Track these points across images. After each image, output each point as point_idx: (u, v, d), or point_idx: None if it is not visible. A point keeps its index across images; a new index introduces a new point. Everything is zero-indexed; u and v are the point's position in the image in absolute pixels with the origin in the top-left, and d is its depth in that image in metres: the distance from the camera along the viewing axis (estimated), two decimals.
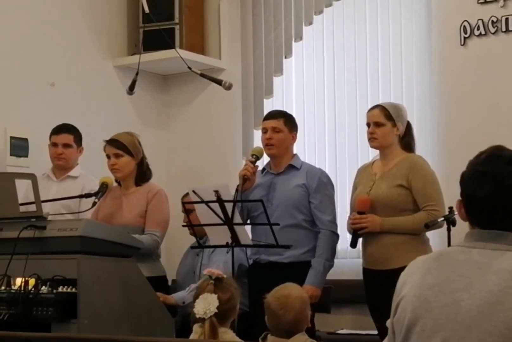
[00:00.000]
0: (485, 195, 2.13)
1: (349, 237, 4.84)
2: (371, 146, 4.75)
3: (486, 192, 2.12)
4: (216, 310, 3.33)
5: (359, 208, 4.57)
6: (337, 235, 4.81)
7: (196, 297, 3.43)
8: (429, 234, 4.64)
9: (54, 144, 5.42)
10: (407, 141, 4.67)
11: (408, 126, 4.69)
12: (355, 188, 4.76)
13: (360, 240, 4.64)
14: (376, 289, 4.40)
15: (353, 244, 4.62)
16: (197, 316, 3.35)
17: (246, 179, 4.75)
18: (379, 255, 4.50)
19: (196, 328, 3.41)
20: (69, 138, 5.42)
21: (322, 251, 4.72)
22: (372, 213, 4.53)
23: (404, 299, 2.13)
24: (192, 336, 3.40)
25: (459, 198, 2.21)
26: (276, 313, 3.44)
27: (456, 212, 3.88)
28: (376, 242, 4.53)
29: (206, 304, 3.34)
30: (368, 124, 4.67)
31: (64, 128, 5.46)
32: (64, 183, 5.40)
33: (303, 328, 3.48)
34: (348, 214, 4.84)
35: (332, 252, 4.77)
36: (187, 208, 5.06)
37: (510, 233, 2.11)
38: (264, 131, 4.90)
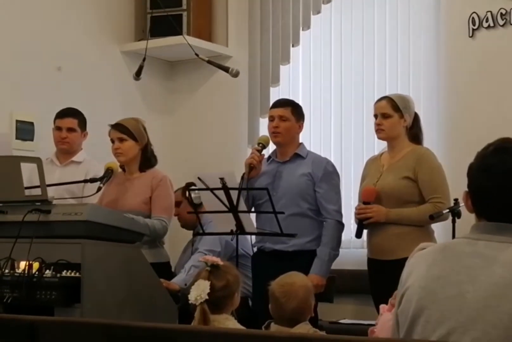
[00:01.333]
0: (492, 187, 2.13)
1: (353, 227, 4.85)
2: (378, 138, 4.75)
3: (493, 184, 2.13)
4: (207, 297, 3.32)
5: (364, 198, 4.58)
6: (343, 225, 4.81)
7: (192, 283, 3.45)
8: (434, 226, 4.65)
9: (58, 128, 5.41)
10: (414, 132, 4.67)
11: (416, 118, 4.69)
12: (363, 179, 4.77)
13: (365, 230, 4.65)
14: (380, 279, 4.41)
15: (358, 234, 4.63)
16: (189, 302, 3.36)
17: (252, 167, 4.76)
18: (384, 245, 4.51)
19: (195, 315, 3.43)
20: (73, 122, 5.41)
21: (327, 240, 4.72)
22: (378, 204, 4.54)
23: (409, 290, 2.13)
24: (193, 323, 3.41)
25: (466, 189, 2.22)
26: (280, 300, 3.45)
27: (461, 204, 3.89)
28: (381, 232, 4.54)
29: (199, 291, 3.34)
30: (376, 116, 4.67)
31: (68, 112, 5.45)
32: (68, 168, 5.40)
33: (306, 317, 3.49)
34: (353, 204, 4.84)
35: (337, 241, 4.77)
36: (176, 200, 5.14)
37: None
38: (271, 119, 4.89)
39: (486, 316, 1.98)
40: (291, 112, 4.86)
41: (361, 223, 4.59)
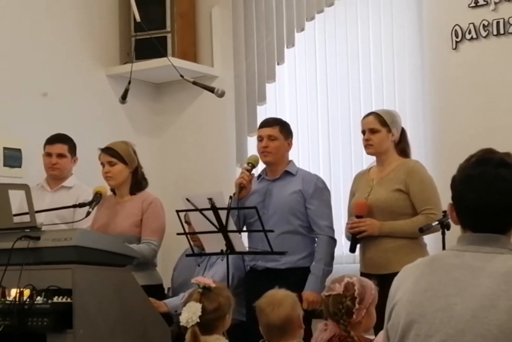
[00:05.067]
0: (475, 198, 2.13)
1: (344, 242, 4.83)
2: (368, 153, 4.76)
3: (476, 195, 2.13)
4: (198, 320, 3.30)
5: (356, 212, 4.58)
6: (335, 241, 4.82)
7: (184, 305, 3.43)
8: (424, 238, 4.64)
9: (48, 154, 5.41)
10: (402, 146, 4.71)
11: (403, 132, 4.74)
12: (352, 194, 4.78)
13: (358, 245, 4.64)
14: None
15: (352, 249, 4.62)
16: (180, 324, 3.35)
17: (242, 187, 4.77)
18: (378, 259, 4.51)
19: (186, 337, 3.41)
20: (63, 148, 5.42)
21: (321, 256, 4.73)
22: (371, 217, 4.54)
23: (398, 304, 2.13)
24: None
25: (451, 201, 2.22)
26: (265, 310, 3.40)
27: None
28: (374, 246, 4.54)
29: (190, 313, 3.32)
30: (363, 132, 4.69)
31: (58, 138, 5.46)
32: (58, 194, 5.39)
33: (296, 329, 3.41)
34: (343, 220, 4.83)
35: (330, 257, 4.78)
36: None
37: (501, 236, 2.12)
38: (260, 139, 4.91)
39: (475, 327, 1.98)
40: (279, 131, 4.89)
41: (355, 237, 4.59)
